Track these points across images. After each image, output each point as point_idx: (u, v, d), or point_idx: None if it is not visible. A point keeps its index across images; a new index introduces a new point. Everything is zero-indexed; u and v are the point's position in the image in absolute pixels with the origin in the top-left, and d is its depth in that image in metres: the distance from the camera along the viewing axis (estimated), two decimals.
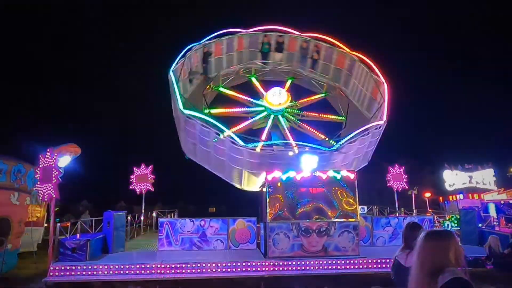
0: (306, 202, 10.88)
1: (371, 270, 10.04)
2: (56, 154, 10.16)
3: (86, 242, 10.08)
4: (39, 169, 10.03)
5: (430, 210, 23.39)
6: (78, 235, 11.56)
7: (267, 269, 9.84)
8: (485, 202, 21.72)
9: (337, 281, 9.94)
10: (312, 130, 18.28)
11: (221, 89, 18.85)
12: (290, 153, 14.52)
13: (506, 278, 8.78)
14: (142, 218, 17.79)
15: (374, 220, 13.52)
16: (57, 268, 9.34)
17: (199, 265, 9.65)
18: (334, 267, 10.07)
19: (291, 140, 16.43)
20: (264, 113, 18.05)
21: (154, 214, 19.46)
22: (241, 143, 14.40)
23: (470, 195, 22.88)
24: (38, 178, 9.99)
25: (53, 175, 9.88)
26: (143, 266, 9.55)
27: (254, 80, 19.44)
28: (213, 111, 17.76)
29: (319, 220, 10.72)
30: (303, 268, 9.99)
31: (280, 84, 19.19)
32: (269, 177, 11.04)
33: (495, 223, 19.36)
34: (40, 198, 10.29)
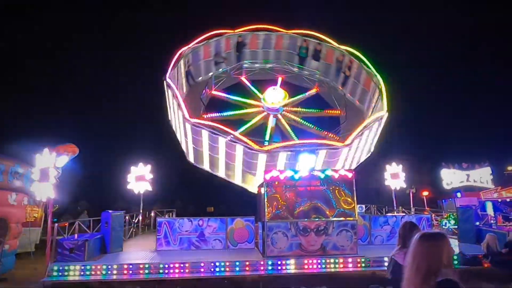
0: (304, 201, 10.90)
1: (369, 268, 10.05)
2: (53, 154, 10.12)
3: (84, 242, 10.05)
4: (36, 169, 9.99)
5: (428, 208, 23.45)
6: (76, 235, 11.53)
7: (265, 268, 9.84)
8: (483, 200, 21.81)
9: (335, 280, 9.96)
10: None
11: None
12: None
13: (504, 276, 8.81)
14: (140, 218, 17.75)
15: (372, 219, 13.53)
16: (55, 268, 9.31)
17: (197, 265, 9.65)
18: (332, 266, 10.08)
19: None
20: (264, 113, 18.04)
21: (152, 214, 19.41)
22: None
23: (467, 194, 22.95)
24: (35, 178, 9.95)
25: (51, 175, 9.84)
26: (141, 266, 9.53)
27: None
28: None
29: (317, 219, 10.74)
30: (301, 267, 10.00)
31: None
32: (267, 177, 11.05)
33: (492, 221, 19.45)
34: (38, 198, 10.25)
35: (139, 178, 16.90)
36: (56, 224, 10.89)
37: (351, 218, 10.89)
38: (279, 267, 9.92)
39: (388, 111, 16.26)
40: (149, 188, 16.92)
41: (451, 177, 25.14)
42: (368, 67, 17.70)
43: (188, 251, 11.72)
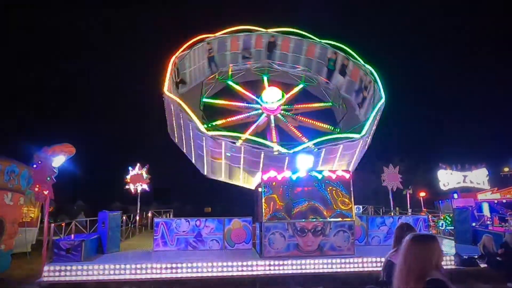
0: (302, 202, 10.90)
1: (366, 269, 10.08)
2: (50, 154, 10.08)
3: (80, 242, 10.00)
4: (33, 169, 9.95)
5: (425, 209, 23.55)
6: (72, 235, 11.48)
7: (262, 268, 9.83)
8: (479, 201, 21.93)
9: (332, 280, 9.97)
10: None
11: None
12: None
13: (500, 277, 8.85)
14: (137, 218, 17.71)
15: (369, 219, 13.56)
16: (51, 269, 9.26)
17: (194, 265, 9.63)
18: (329, 266, 10.09)
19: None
20: (260, 111, 18.01)
21: (149, 214, 19.36)
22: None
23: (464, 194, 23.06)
24: (32, 178, 9.90)
25: (48, 175, 9.80)
26: (138, 267, 9.50)
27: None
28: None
29: (314, 219, 10.75)
30: (298, 267, 10.00)
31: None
32: (265, 177, 11.05)
33: (488, 222, 19.55)
34: (35, 198, 10.21)
35: (136, 178, 16.88)
36: (53, 224, 10.84)
37: (348, 219, 10.91)
38: (276, 268, 9.92)
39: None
40: (146, 188, 16.90)
41: (448, 178, 25.26)
42: (375, 80, 17.53)
43: (185, 252, 11.70)
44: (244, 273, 9.68)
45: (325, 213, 10.85)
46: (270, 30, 18.86)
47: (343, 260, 10.21)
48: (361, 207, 23.17)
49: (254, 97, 18.55)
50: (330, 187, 11.12)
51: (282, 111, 18.43)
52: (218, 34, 18.42)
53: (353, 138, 15.06)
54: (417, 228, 13.64)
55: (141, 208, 17.90)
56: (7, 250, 11.54)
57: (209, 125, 15.55)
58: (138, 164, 17.10)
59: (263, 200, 10.78)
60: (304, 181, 11.12)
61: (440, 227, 18.63)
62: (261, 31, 18.69)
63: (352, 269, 10.10)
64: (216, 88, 19.03)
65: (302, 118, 18.46)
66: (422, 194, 25.38)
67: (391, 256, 3.34)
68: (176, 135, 17.24)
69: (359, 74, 18.39)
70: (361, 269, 10.10)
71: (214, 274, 9.55)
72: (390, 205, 17.68)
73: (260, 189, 11.22)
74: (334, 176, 11.25)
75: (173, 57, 16.56)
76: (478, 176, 24.68)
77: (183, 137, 16.36)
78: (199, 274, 9.51)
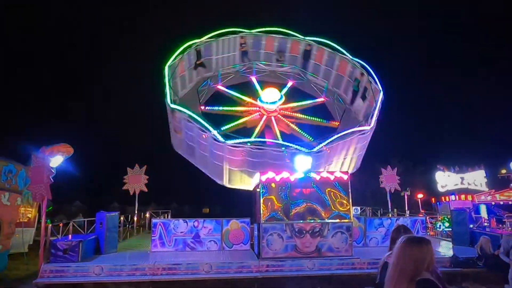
0: (300, 203, 10.91)
1: (364, 270, 10.08)
2: (48, 154, 10.05)
3: (78, 243, 9.97)
4: (31, 169, 9.92)
5: (423, 211, 23.61)
6: (70, 236, 11.45)
7: (260, 270, 9.83)
8: (477, 203, 21.99)
9: (330, 282, 9.97)
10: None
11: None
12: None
13: (497, 278, 8.88)
14: (135, 219, 17.68)
15: (367, 221, 13.58)
16: (48, 269, 9.23)
17: (192, 266, 9.62)
18: (327, 267, 10.10)
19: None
20: (258, 113, 18.06)
21: (147, 215, 19.34)
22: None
23: (462, 196, 23.13)
24: (30, 178, 9.87)
25: (45, 175, 9.77)
26: (135, 267, 9.48)
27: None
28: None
29: (312, 221, 10.75)
30: (296, 269, 10.00)
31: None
32: (263, 178, 11.05)
33: (486, 224, 19.61)
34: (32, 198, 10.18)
35: (135, 179, 16.84)
36: (50, 225, 10.81)
37: (346, 220, 10.92)
38: (274, 269, 9.92)
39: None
40: (145, 189, 16.87)
41: (445, 179, 25.33)
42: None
43: (183, 252, 11.68)
44: (242, 274, 9.67)
45: (323, 214, 10.86)
46: (308, 38, 18.70)
47: (341, 262, 10.23)
48: (359, 208, 23.23)
49: (250, 100, 18.60)
50: (328, 189, 11.12)
51: (279, 115, 18.50)
52: (254, 30, 18.73)
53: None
54: (415, 230, 13.68)
55: (139, 209, 17.86)
56: (4, 250, 11.47)
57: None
58: (136, 165, 17.05)
59: (261, 201, 10.78)
60: (302, 182, 11.13)
61: (437, 229, 18.67)
62: (298, 37, 18.64)
63: (350, 271, 10.11)
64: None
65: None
66: (420, 195, 25.44)
67: (388, 258, 3.35)
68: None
69: (377, 97, 17.61)
70: (359, 271, 10.11)
71: (212, 275, 9.54)
72: (388, 207, 17.72)
73: (258, 190, 11.22)
74: (332, 178, 11.26)
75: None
76: (476, 178, 24.75)
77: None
78: (197, 275, 9.50)
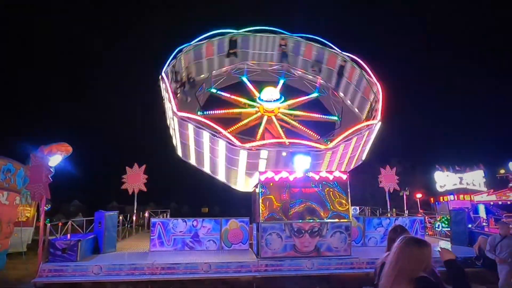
0: (299, 203, 10.92)
1: (363, 270, 10.09)
2: (47, 153, 10.03)
3: (76, 242, 9.95)
4: (30, 168, 9.89)
5: (421, 211, 23.64)
6: (68, 235, 11.43)
7: (259, 269, 9.84)
8: (475, 203, 22.02)
9: (329, 281, 9.98)
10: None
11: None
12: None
13: (495, 278, 8.90)
14: (134, 218, 17.65)
15: (366, 220, 13.60)
16: (47, 268, 9.22)
17: (191, 265, 9.61)
18: (326, 267, 10.11)
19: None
20: (259, 114, 18.05)
21: (146, 214, 19.30)
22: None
23: (460, 196, 23.18)
24: (28, 177, 9.85)
25: (44, 175, 9.75)
26: (134, 267, 9.47)
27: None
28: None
29: (311, 220, 10.76)
30: (295, 268, 10.01)
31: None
32: (262, 178, 11.05)
33: (484, 224, 19.65)
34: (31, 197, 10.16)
35: (134, 178, 16.82)
36: (49, 224, 10.79)
37: (345, 220, 10.93)
38: (273, 268, 9.92)
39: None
40: (143, 188, 16.85)
41: (444, 179, 25.35)
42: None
43: (182, 252, 11.67)
44: (241, 274, 9.67)
45: (322, 214, 10.87)
46: (345, 53, 18.65)
47: (339, 261, 10.23)
48: (358, 208, 23.24)
49: (246, 101, 18.59)
50: (327, 188, 11.14)
51: (279, 114, 18.49)
52: (295, 35, 18.90)
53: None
54: (414, 229, 13.71)
55: (138, 208, 17.84)
56: (2, 250, 11.46)
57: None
58: (135, 164, 17.03)
59: (260, 201, 10.78)
60: (301, 182, 11.14)
61: (436, 229, 18.71)
62: (335, 50, 18.59)
63: (348, 270, 10.12)
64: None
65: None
66: (419, 195, 25.47)
67: (385, 259, 3.35)
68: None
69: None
70: (357, 270, 10.12)
71: (211, 275, 9.53)
72: (387, 206, 17.74)
73: (257, 190, 11.22)
74: (331, 177, 11.28)
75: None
76: (475, 178, 24.79)
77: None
78: (196, 275, 9.49)
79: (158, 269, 9.45)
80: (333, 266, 10.14)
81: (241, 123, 17.53)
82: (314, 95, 19.66)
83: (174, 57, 17.01)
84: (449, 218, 15.44)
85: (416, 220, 14.28)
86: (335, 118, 18.95)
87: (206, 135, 14.56)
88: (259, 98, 18.19)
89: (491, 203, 21.29)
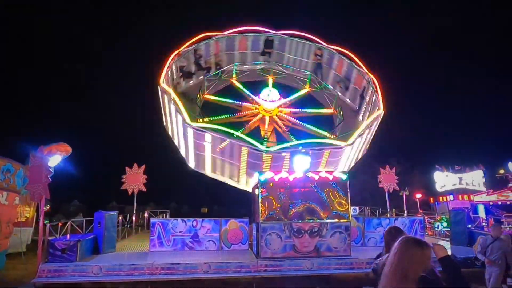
0: (299, 203, 10.92)
1: (363, 270, 10.10)
2: (46, 153, 10.03)
3: (76, 242, 9.95)
4: (29, 168, 9.88)
5: (421, 211, 23.66)
6: (68, 235, 11.42)
7: (259, 269, 9.83)
8: (475, 203, 22.05)
9: (328, 281, 9.99)
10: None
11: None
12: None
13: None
14: (133, 218, 17.64)
15: (366, 220, 13.61)
16: (46, 269, 9.21)
17: (191, 266, 9.61)
18: (326, 267, 10.11)
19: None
20: (260, 115, 18.01)
21: (146, 215, 19.30)
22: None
23: (460, 196, 23.20)
24: (28, 177, 9.83)
25: (43, 175, 9.74)
26: (134, 267, 9.47)
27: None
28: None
29: (311, 220, 10.76)
30: (295, 268, 10.01)
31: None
32: (262, 178, 11.05)
33: (484, 224, 19.67)
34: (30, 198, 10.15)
35: (133, 178, 16.81)
36: (48, 224, 10.78)
37: (345, 220, 10.93)
38: (273, 269, 9.92)
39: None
40: (143, 188, 16.84)
41: (444, 179, 25.39)
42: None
43: (181, 252, 11.67)
44: (241, 274, 9.67)
45: (321, 214, 10.87)
46: (370, 75, 17.93)
47: (339, 261, 10.24)
48: (357, 208, 23.26)
49: (253, 96, 18.53)
50: (327, 188, 11.14)
51: (280, 113, 18.47)
52: (331, 46, 18.49)
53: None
54: (413, 230, 13.72)
55: (137, 209, 17.83)
56: (2, 250, 11.43)
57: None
58: (135, 164, 17.02)
59: (260, 201, 10.78)
60: (301, 182, 11.14)
61: (436, 229, 18.73)
62: (363, 70, 17.95)
63: (348, 270, 10.13)
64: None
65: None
66: (419, 195, 25.49)
67: (386, 260, 3.36)
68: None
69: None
70: (357, 270, 10.13)
71: (211, 275, 9.53)
72: (387, 207, 17.75)
73: (257, 190, 11.22)
74: (331, 177, 11.28)
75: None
76: (474, 178, 24.81)
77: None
78: (196, 275, 9.49)
79: (158, 270, 9.45)
80: (333, 266, 10.14)
81: (246, 127, 17.35)
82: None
83: (196, 42, 17.19)
84: (448, 218, 15.45)
85: (416, 220, 14.29)
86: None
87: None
88: (258, 100, 18.16)
89: (491, 203, 21.32)
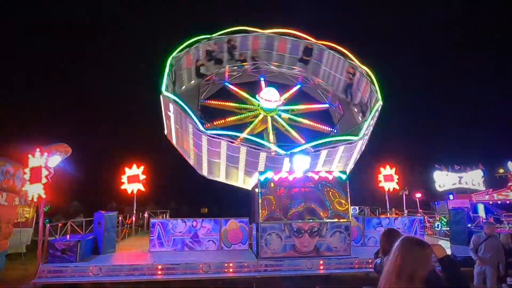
0: (298, 203, 10.92)
1: (363, 270, 10.11)
2: (46, 154, 10.02)
3: (76, 243, 9.95)
4: (28, 169, 9.88)
5: (421, 210, 23.64)
6: (68, 236, 11.42)
7: (259, 269, 9.84)
8: (475, 202, 22.06)
9: (328, 281, 9.99)
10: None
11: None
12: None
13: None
14: (133, 218, 17.64)
15: (366, 220, 13.61)
16: (46, 269, 9.21)
17: (191, 266, 9.61)
18: (326, 267, 10.11)
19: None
20: (261, 116, 17.95)
21: (145, 215, 19.29)
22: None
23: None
24: (27, 178, 9.83)
25: (43, 175, 9.74)
26: (134, 267, 9.47)
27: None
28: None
29: (311, 220, 10.76)
30: (295, 268, 10.01)
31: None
32: (262, 178, 11.05)
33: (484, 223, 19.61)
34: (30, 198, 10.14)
35: (133, 178, 16.81)
36: (48, 225, 10.77)
37: (345, 220, 10.94)
38: (273, 269, 9.92)
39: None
40: (143, 189, 16.84)
41: (443, 179, 25.38)
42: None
43: (181, 252, 11.68)
44: (241, 274, 9.68)
45: (321, 214, 10.87)
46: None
47: (339, 261, 10.24)
48: (357, 208, 23.24)
49: (251, 97, 18.50)
50: (327, 188, 11.14)
51: (279, 112, 18.44)
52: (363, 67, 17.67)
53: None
54: (413, 229, 13.73)
55: (137, 209, 17.83)
56: (1, 251, 11.45)
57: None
58: (135, 165, 17.01)
59: (260, 201, 10.79)
60: (301, 182, 11.13)
61: (435, 228, 18.73)
62: (377, 96, 17.03)
63: (348, 270, 10.13)
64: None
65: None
66: (418, 195, 25.48)
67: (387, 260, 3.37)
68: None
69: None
70: (357, 270, 10.13)
71: (211, 275, 9.54)
72: (386, 206, 17.74)
73: (257, 190, 11.22)
74: (330, 177, 11.28)
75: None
76: (474, 177, 24.82)
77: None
78: (196, 275, 9.49)
79: (158, 270, 9.45)
80: (333, 266, 10.14)
81: (249, 129, 17.22)
82: (325, 105, 19.39)
83: (231, 33, 17.57)
84: (448, 217, 15.45)
85: (416, 220, 14.29)
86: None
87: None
88: (258, 100, 18.13)
89: (490, 202, 21.34)
